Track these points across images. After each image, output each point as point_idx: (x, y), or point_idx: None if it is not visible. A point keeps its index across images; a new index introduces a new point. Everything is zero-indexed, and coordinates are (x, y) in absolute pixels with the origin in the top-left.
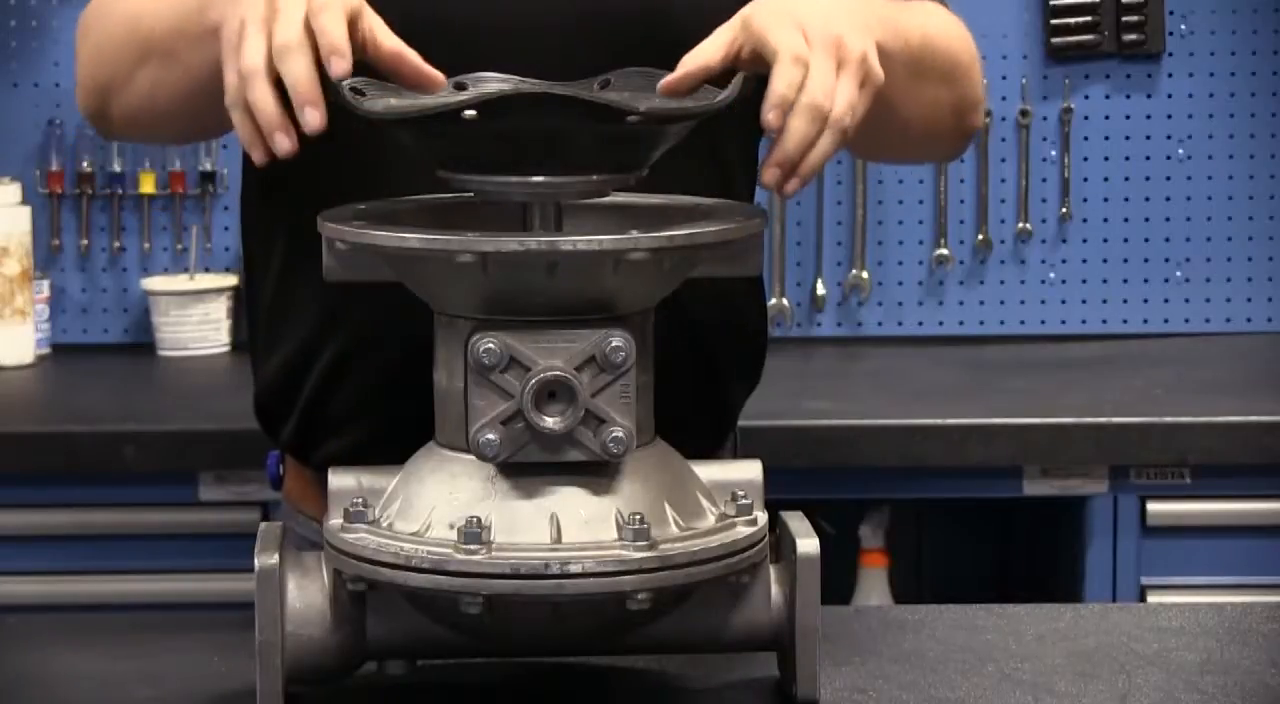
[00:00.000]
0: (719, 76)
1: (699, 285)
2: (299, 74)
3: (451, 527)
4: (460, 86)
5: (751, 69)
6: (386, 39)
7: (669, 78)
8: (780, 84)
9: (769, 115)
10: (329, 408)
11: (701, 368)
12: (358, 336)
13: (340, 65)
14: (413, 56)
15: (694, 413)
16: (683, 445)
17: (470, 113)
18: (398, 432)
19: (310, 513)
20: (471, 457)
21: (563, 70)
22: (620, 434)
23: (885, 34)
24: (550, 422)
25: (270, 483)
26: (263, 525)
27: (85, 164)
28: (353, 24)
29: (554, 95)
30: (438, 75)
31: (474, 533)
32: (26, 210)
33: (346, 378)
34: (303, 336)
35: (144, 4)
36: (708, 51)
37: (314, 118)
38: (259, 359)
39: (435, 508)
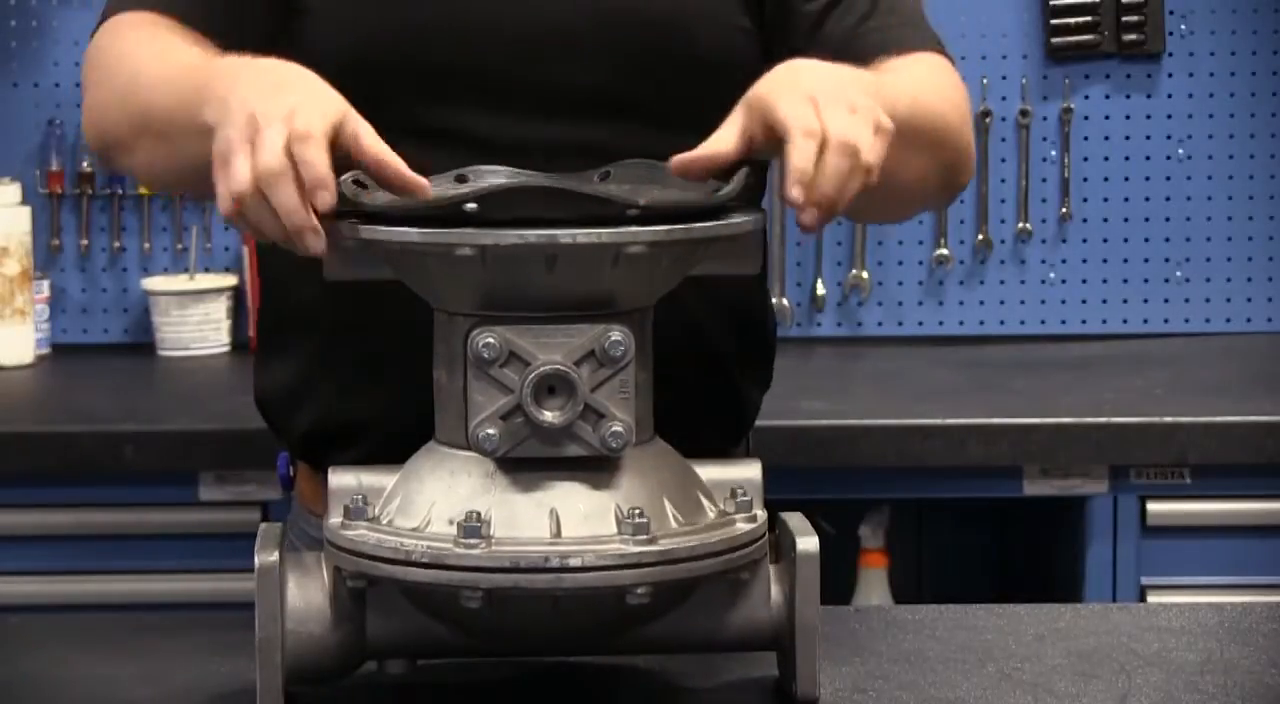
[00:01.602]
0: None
1: (706, 285)
2: (288, 205)
3: (451, 522)
4: (461, 179)
5: (766, 150)
6: (369, 145)
7: (681, 157)
8: (798, 159)
9: (792, 191)
10: (340, 420)
11: (712, 368)
12: (370, 347)
13: (325, 199)
14: (394, 162)
15: (708, 413)
16: (698, 446)
17: (471, 206)
18: (411, 442)
19: (322, 514)
20: (471, 453)
21: (573, 77)
22: (619, 429)
23: (879, 104)
24: (549, 416)
25: (280, 483)
26: (263, 525)
27: (85, 164)
28: (336, 133)
29: (555, 189)
30: (421, 181)
31: (473, 527)
32: (26, 210)
33: (360, 391)
34: (311, 347)
35: (144, 63)
36: (723, 140)
37: (315, 244)
38: (264, 363)
39: (435, 504)
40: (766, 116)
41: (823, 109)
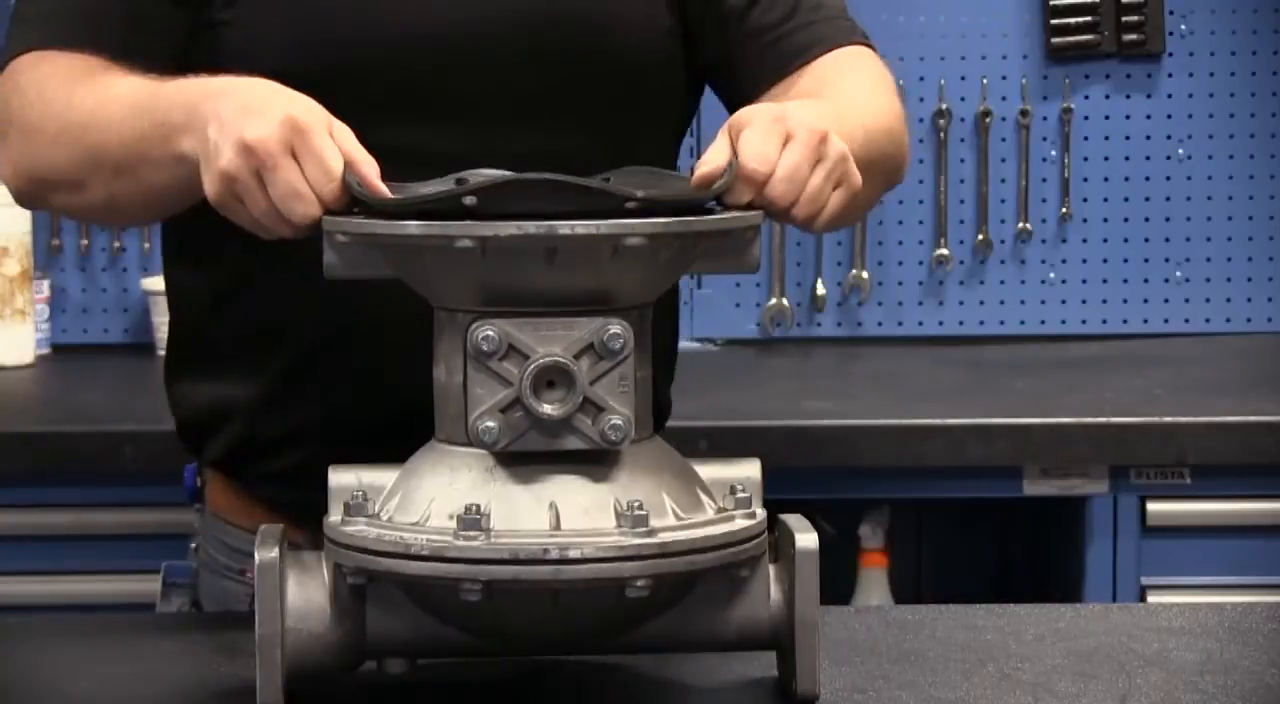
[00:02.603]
0: None
1: None
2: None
3: (451, 516)
4: (460, 182)
5: None
6: (345, 145)
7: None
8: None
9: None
10: (265, 434)
11: None
12: (296, 364)
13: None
14: (363, 169)
15: None
16: None
17: (470, 200)
18: (337, 456)
19: (240, 524)
20: (471, 449)
21: (501, 80)
22: (619, 422)
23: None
24: (549, 408)
25: (187, 495)
26: (263, 525)
27: None
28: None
29: (554, 182)
30: (381, 188)
31: (473, 520)
32: (26, 210)
33: (285, 405)
34: (236, 364)
35: (82, 101)
36: (717, 156)
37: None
38: (183, 384)
39: (435, 499)
40: (733, 143)
41: (790, 147)
